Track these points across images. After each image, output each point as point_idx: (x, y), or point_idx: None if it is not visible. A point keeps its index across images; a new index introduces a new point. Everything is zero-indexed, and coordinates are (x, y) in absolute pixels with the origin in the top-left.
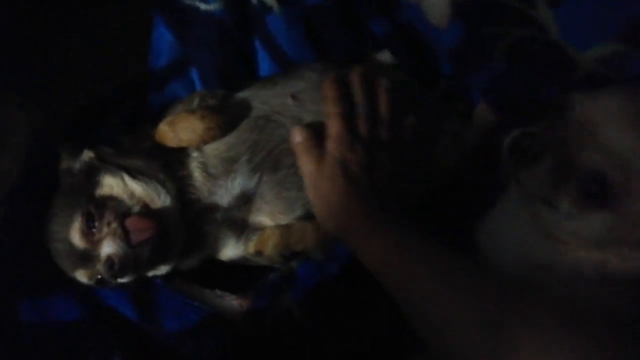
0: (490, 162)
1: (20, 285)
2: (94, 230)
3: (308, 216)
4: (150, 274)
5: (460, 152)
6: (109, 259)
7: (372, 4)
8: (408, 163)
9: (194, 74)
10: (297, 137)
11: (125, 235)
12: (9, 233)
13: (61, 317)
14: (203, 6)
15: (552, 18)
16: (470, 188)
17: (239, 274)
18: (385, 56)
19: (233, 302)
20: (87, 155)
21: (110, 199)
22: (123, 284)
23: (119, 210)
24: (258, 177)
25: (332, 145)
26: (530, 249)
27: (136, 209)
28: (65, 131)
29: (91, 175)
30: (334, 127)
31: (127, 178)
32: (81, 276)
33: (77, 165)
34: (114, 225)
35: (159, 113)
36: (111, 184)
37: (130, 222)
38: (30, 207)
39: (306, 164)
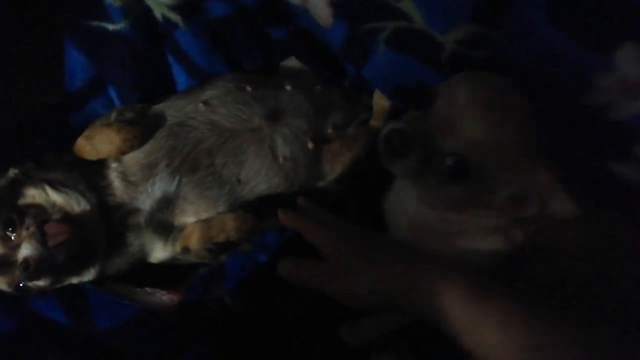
0: None
1: None
2: (12, 236)
3: (231, 211)
4: (77, 280)
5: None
6: (25, 260)
7: (269, 11)
8: None
9: (112, 92)
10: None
11: (42, 237)
12: None
13: None
14: (111, 26)
15: (414, 8)
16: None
17: (173, 275)
18: (292, 62)
19: (164, 297)
20: (12, 172)
21: (32, 206)
22: (52, 290)
23: (39, 216)
24: (178, 180)
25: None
26: (417, 214)
27: (56, 216)
28: None
29: (15, 189)
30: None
31: (48, 189)
32: (1, 283)
33: (1, 182)
34: (32, 228)
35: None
36: (33, 195)
37: (48, 227)
38: None
39: (322, 285)
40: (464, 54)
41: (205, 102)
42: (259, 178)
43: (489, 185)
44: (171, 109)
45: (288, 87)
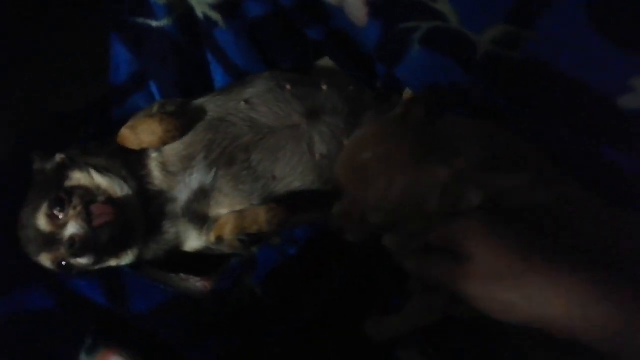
0: None
1: None
2: (59, 215)
3: (265, 203)
4: (115, 263)
5: None
6: (71, 238)
7: (306, 12)
8: None
9: (153, 87)
10: None
11: (88, 217)
12: None
13: (34, 306)
14: (154, 23)
15: (450, 8)
16: None
17: (206, 264)
18: (326, 62)
19: (197, 283)
20: (59, 157)
21: (79, 188)
22: (93, 272)
23: (86, 197)
24: (214, 172)
25: None
26: None
27: (101, 198)
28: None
29: (61, 172)
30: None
31: (93, 173)
32: (45, 260)
33: (49, 166)
34: (79, 208)
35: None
36: (79, 178)
37: (94, 207)
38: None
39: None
40: (498, 54)
41: (247, 101)
42: (294, 175)
43: (414, 218)
44: (212, 105)
45: (324, 87)
